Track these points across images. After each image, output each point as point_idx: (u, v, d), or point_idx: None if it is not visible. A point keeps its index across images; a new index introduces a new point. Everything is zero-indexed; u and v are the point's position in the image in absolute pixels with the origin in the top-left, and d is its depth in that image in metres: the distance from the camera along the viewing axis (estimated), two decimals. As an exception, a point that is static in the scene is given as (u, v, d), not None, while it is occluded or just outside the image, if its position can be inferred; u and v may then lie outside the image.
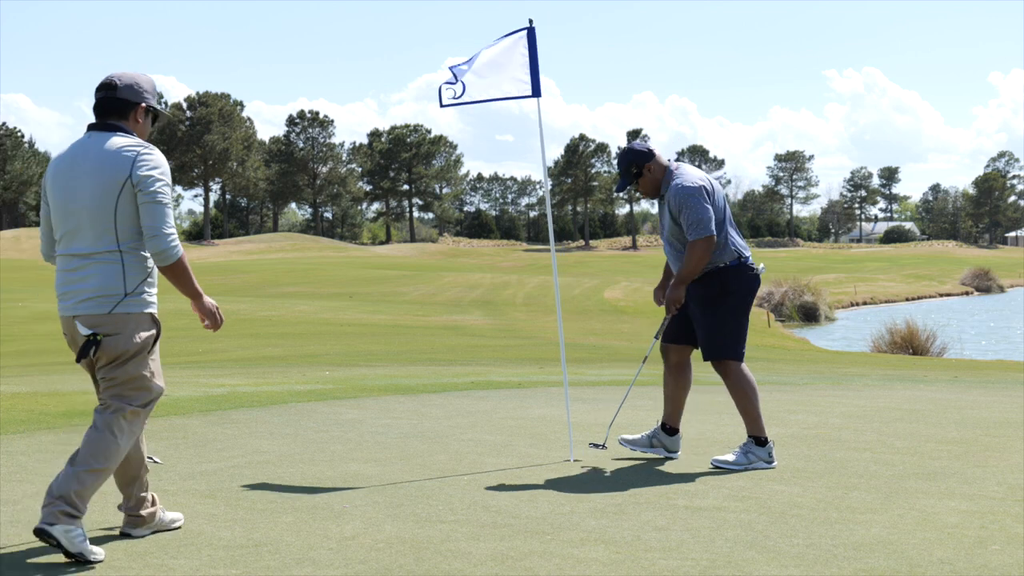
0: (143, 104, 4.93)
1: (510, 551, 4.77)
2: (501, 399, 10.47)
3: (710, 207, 6.77)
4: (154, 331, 4.92)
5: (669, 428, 7.17)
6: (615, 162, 9.34)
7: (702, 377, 14.30)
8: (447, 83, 7.17)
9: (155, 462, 6.44)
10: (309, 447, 7.52)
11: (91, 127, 4.90)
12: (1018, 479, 6.36)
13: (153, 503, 5.10)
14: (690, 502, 5.76)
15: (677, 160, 7.42)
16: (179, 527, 5.18)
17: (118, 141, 4.80)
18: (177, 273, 4.83)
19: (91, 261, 4.79)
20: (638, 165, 6.90)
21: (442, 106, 7.16)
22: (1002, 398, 10.68)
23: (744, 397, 6.89)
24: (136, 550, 4.78)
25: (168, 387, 11.09)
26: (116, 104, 4.89)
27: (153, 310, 4.92)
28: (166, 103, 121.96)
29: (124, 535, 5.04)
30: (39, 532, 4.56)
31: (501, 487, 6.16)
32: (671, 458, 7.12)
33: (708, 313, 6.88)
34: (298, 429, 8.32)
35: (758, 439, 6.84)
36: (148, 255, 4.84)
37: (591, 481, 6.35)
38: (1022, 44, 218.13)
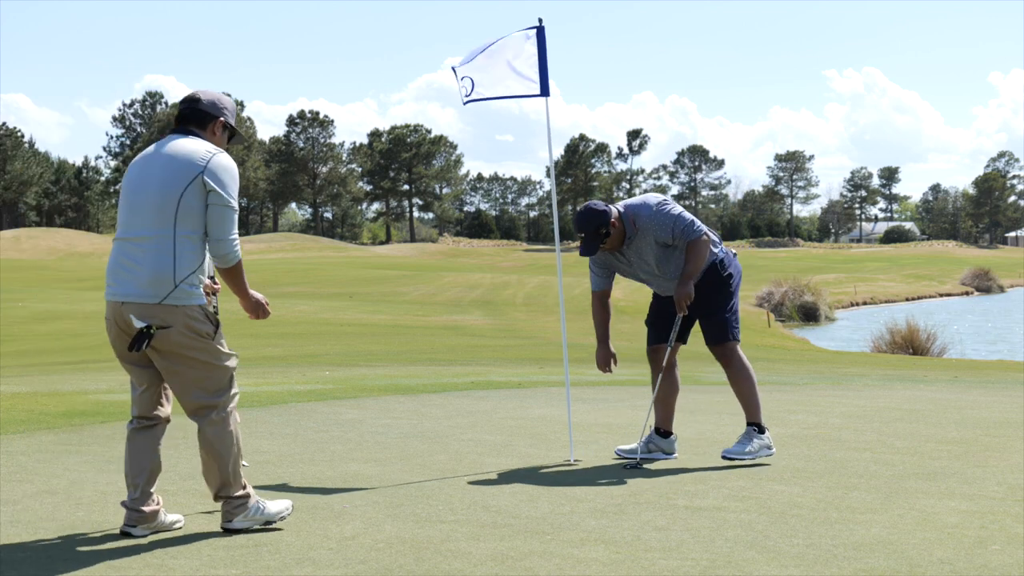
0: (222, 119, 5.18)
1: (510, 551, 4.77)
2: (501, 399, 10.48)
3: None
4: (211, 325, 5.02)
5: (663, 432, 7.19)
6: (575, 227, 8.64)
7: (702, 377, 14.31)
8: (461, 78, 7.20)
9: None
10: (309, 447, 7.52)
11: (171, 131, 5.14)
12: (1018, 479, 6.36)
13: (157, 503, 5.11)
14: (690, 502, 5.76)
15: (611, 202, 7.63)
16: (179, 528, 5.18)
17: (194, 143, 5.02)
18: (234, 275, 5.05)
19: (145, 248, 4.91)
20: (606, 225, 6.80)
21: (465, 103, 7.21)
22: (1002, 398, 10.69)
23: (747, 381, 7.01)
24: (136, 550, 4.78)
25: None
26: (197, 115, 5.13)
27: (202, 302, 5.01)
28: (166, 103, 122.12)
29: (124, 533, 5.04)
30: (226, 531, 5.06)
31: (501, 487, 6.16)
32: (669, 459, 7.13)
33: (713, 298, 6.98)
34: (298, 429, 8.32)
35: (759, 426, 6.89)
36: (201, 249, 4.96)
37: (591, 481, 6.35)
38: (1022, 44, 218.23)
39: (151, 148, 5.11)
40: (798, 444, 7.67)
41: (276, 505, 5.21)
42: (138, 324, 4.90)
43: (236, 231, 4.99)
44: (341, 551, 4.77)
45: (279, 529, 5.15)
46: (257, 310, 5.26)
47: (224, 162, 4.97)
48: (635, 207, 6.90)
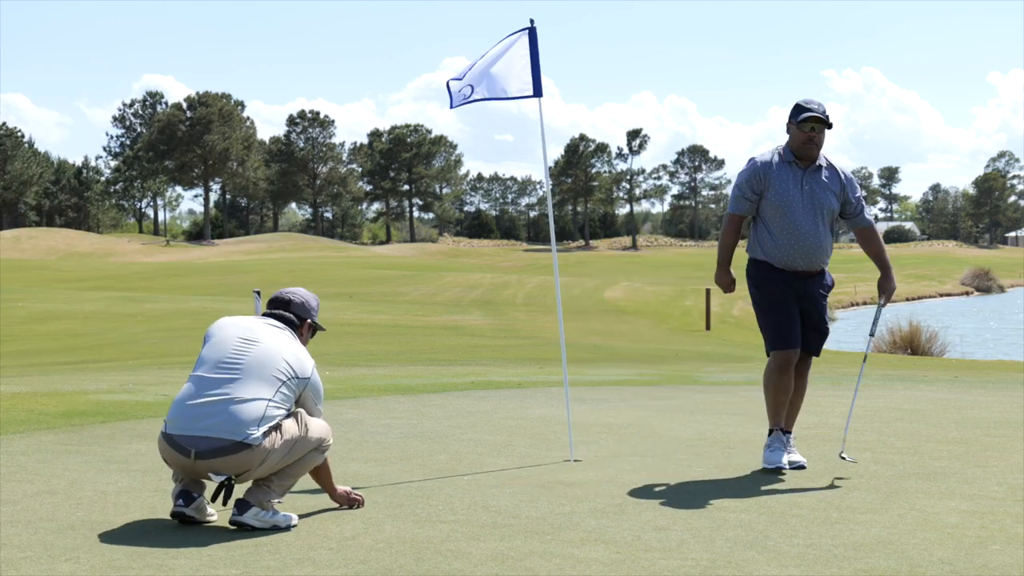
0: (309, 320, 5.64)
1: (510, 551, 4.76)
2: (501, 399, 10.47)
3: None
4: (280, 436, 5.17)
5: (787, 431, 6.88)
6: (808, 103, 8.09)
7: (701, 377, 14.29)
8: (454, 79, 7.18)
9: None
10: (309, 447, 7.51)
11: (271, 315, 5.58)
12: (1018, 479, 6.36)
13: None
14: (690, 502, 5.76)
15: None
16: (213, 521, 5.30)
17: (300, 347, 5.45)
18: (319, 472, 5.55)
19: (233, 397, 5.11)
20: (830, 124, 6.60)
21: (452, 107, 7.16)
22: (1002, 398, 10.68)
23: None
24: (136, 550, 4.78)
25: (169, 388, 11.09)
26: (293, 316, 5.59)
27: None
28: (166, 103, 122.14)
29: (176, 515, 5.20)
30: (233, 523, 5.17)
31: (501, 487, 6.16)
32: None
33: (824, 306, 6.83)
34: (298, 429, 8.31)
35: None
36: (282, 414, 5.22)
37: (591, 481, 6.35)
38: (1022, 44, 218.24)
39: (255, 322, 5.44)
40: (798, 444, 7.66)
41: (285, 515, 5.28)
42: (217, 479, 5.08)
43: (322, 433, 5.41)
44: (341, 551, 4.77)
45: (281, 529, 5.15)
46: (351, 502, 5.64)
47: (320, 382, 5.46)
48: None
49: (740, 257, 6.83)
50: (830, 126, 6.60)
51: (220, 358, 5.21)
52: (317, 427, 5.34)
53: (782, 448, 6.72)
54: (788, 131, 6.70)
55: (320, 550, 4.78)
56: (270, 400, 5.13)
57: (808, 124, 6.58)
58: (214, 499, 5.20)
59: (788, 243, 6.63)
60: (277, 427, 5.15)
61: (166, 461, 5.22)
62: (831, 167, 6.74)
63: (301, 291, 5.65)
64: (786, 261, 6.65)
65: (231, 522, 5.15)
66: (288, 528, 5.19)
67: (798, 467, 6.67)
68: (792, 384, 6.76)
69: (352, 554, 4.71)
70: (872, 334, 7.06)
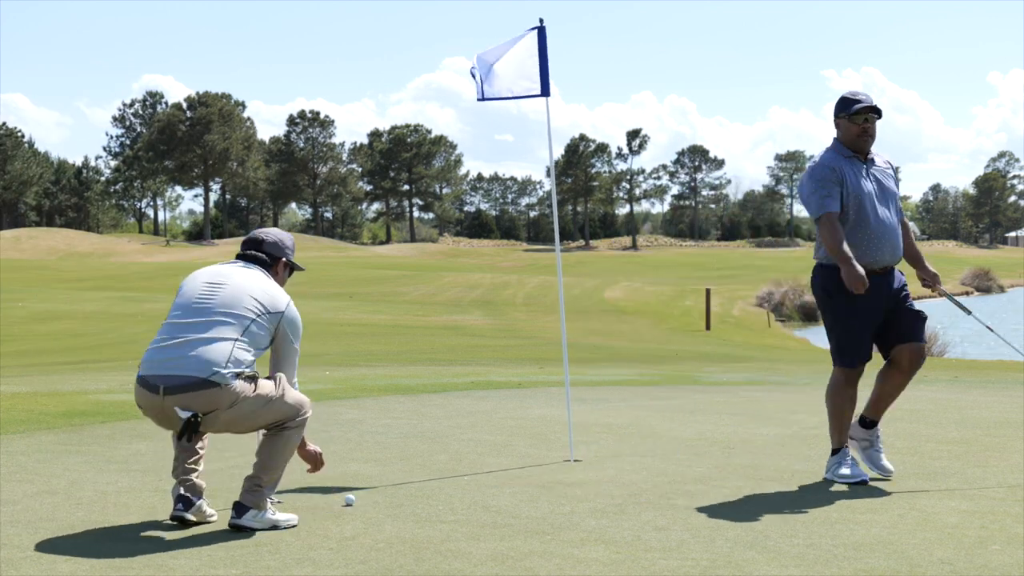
0: (283, 259, 5.55)
1: (510, 551, 4.77)
2: (501, 399, 10.48)
3: None
4: (251, 384, 5.13)
5: (869, 421, 6.55)
6: (858, 96, 7.83)
7: (701, 377, 14.29)
8: (472, 71, 7.19)
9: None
10: (309, 447, 7.51)
11: (242, 257, 5.49)
12: (1018, 479, 6.36)
13: (202, 480, 5.35)
14: (690, 502, 5.76)
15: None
16: (213, 521, 5.30)
17: (273, 284, 5.39)
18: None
19: (200, 338, 5.10)
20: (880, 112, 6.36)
21: (479, 99, 7.19)
22: (1002, 398, 10.68)
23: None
24: (136, 550, 4.78)
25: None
26: (265, 255, 5.48)
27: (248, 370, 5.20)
28: (166, 103, 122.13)
29: (176, 519, 5.19)
30: (232, 527, 5.14)
31: (501, 487, 6.16)
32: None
33: (908, 293, 6.47)
34: (298, 429, 8.31)
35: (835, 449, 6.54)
36: (252, 357, 5.16)
37: (591, 481, 6.35)
38: (1022, 44, 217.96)
39: (227, 265, 5.40)
40: (798, 444, 7.67)
41: (285, 516, 5.28)
42: (183, 415, 5.05)
43: (296, 373, 5.35)
44: (341, 551, 4.77)
45: (279, 529, 5.15)
46: (315, 461, 5.62)
47: (297, 315, 5.37)
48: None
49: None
50: (881, 116, 6.35)
51: (188, 303, 5.23)
52: (295, 395, 5.30)
53: (855, 461, 6.44)
54: (838, 127, 6.42)
55: (320, 550, 4.78)
56: (237, 339, 5.09)
57: (861, 115, 6.31)
58: (180, 437, 5.18)
59: (872, 239, 6.31)
60: (253, 379, 5.11)
61: (140, 407, 5.21)
62: (878, 157, 6.54)
63: (274, 230, 5.60)
64: (874, 257, 6.30)
65: (230, 525, 5.15)
66: (288, 528, 5.20)
67: (885, 473, 6.38)
68: (855, 398, 6.47)
69: (352, 554, 4.72)
70: (969, 311, 6.70)
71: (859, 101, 6.36)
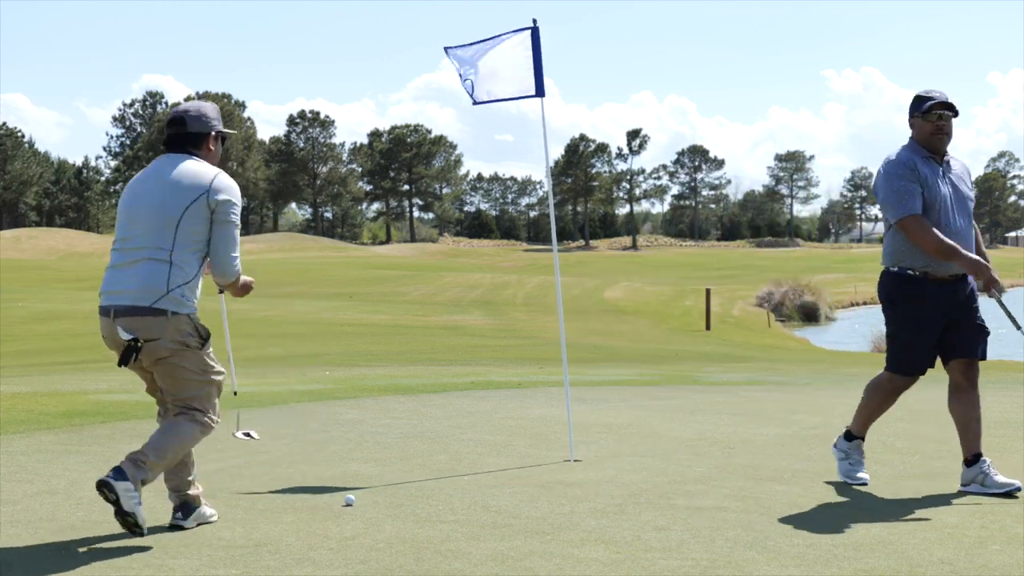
0: (212, 132, 5.26)
1: (510, 551, 4.77)
2: (501, 399, 10.48)
3: None
4: (199, 337, 5.07)
5: (969, 458, 6.16)
6: (932, 92, 7.39)
7: (701, 377, 14.29)
8: (463, 78, 7.21)
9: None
10: (309, 447, 7.52)
11: (167, 150, 5.22)
12: (1018, 479, 6.36)
13: (197, 487, 5.28)
14: (690, 502, 5.76)
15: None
16: (214, 521, 5.28)
17: (194, 164, 5.12)
18: (231, 286, 5.27)
19: (140, 260, 5.01)
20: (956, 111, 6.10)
21: (474, 104, 7.23)
22: (1002, 398, 10.68)
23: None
24: (136, 550, 4.78)
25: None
26: (190, 136, 5.20)
27: (192, 312, 5.07)
28: (166, 103, 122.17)
29: (175, 527, 5.16)
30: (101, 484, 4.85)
31: (501, 487, 6.16)
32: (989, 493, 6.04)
33: (977, 307, 6.29)
34: (298, 429, 8.32)
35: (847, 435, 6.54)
36: (195, 265, 5.05)
37: (591, 481, 6.35)
38: (1022, 44, 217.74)
39: (151, 167, 5.19)
40: (798, 444, 7.68)
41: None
42: (125, 336, 4.97)
43: (238, 250, 5.13)
44: (341, 551, 4.77)
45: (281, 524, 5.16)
46: (245, 290, 5.43)
47: (227, 182, 5.11)
48: None
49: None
50: (957, 114, 6.08)
51: (121, 226, 5.16)
52: (215, 391, 5.18)
53: (861, 461, 6.42)
54: (912, 126, 6.18)
55: (320, 550, 4.78)
56: (171, 251, 4.98)
57: (935, 113, 6.04)
58: (121, 362, 5.05)
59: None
60: (200, 334, 5.05)
61: (104, 338, 5.16)
62: (954, 160, 6.29)
63: (194, 103, 5.28)
64: (947, 265, 6.02)
65: (98, 483, 4.88)
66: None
67: (1008, 493, 5.97)
68: (895, 403, 6.44)
69: (352, 554, 4.72)
70: (1020, 327, 6.29)
71: (931, 98, 6.11)
